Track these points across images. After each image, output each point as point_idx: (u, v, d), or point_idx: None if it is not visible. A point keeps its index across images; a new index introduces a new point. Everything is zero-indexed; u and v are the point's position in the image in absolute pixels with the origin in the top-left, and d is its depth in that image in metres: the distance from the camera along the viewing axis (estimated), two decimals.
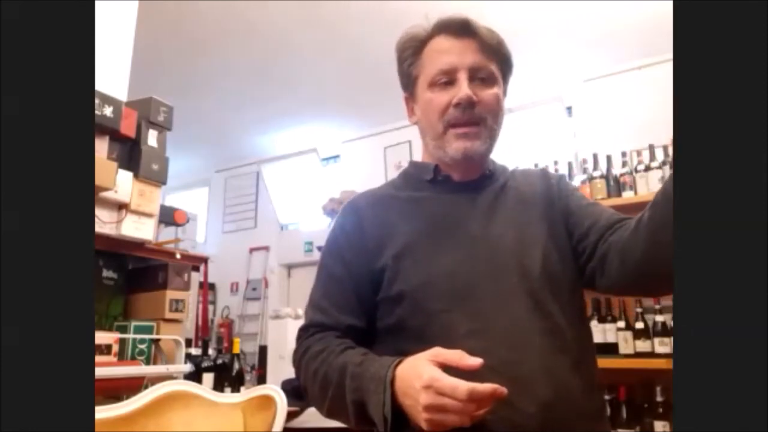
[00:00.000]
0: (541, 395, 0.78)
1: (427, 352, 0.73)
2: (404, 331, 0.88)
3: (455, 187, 0.97)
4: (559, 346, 0.83)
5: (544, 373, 0.79)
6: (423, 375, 0.69)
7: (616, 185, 2.66)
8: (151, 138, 1.89)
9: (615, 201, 2.62)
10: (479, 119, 0.92)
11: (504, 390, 0.68)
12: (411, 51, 0.98)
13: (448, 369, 0.71)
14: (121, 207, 1.76)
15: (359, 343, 0.89)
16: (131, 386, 1.59)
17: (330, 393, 0.83)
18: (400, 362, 0.76)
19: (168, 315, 1.85)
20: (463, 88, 0.90)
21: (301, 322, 0.99)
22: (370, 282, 0.91)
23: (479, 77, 0.93)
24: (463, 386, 0.66)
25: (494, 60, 0.95)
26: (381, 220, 0.95)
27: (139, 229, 1.80)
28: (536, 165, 2.95)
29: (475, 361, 0.69)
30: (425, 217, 0.93)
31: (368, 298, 0.92)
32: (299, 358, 0.92)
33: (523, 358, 0.80)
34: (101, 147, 1.72)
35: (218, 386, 1.93)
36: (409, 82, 1.01)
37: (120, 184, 1.70)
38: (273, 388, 1.34)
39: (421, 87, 0.97)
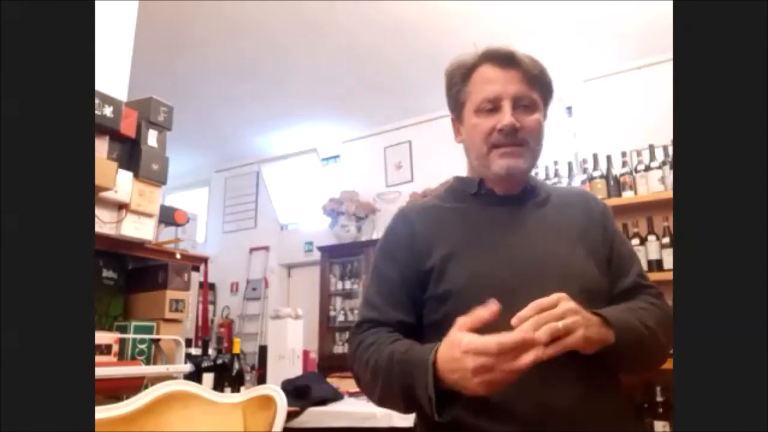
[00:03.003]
0: (569, 393, 0.86)
1: (454, 327, 0.78)
2: (449, 327, 0.90)
3: (498, 200, 1.04)
4: (587, 364, 0.87)
5: (576, 374, 0.86)
6: (461, 342, 0.75)
7: (616, 185, 2.65)
8: (151, 138, 1.89)
9: (615, 201, 2.62)
10: (522, 142, 1.00)
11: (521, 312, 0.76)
12: (459, 78, 1.05)
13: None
14: (121, 207, 1.76)
15: (408, 337, 0.95)
16: (131, 386, 1.59)
17: (380, 381, 0.90)
18: (440, 346, 0.81)
19: (168, 315, 1.85)
20: (507, 116, 0.97)
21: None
22: (419, 281, 0.99)
23: (522, 104, 1.00)
24: (491, 341, 0.72)
25: (536, 88, 1.02)
26: (430, 226, 1.03)
27: (139, 229, 1.80)
28: (536, 165, 2.95)
29: (491, 307, 0.75)
30: (470, 225, 1.01)
31: (417, 296, 0.99)
32: (353, 351, 0.98)
33: (554, 364, 0.82)
34: (101, 147, 1.72)
35: (218, 386, 1.93)
36: (456, 106, 1.08)
37: (120, 184, 1.70)
38: (273, 388, 1.34)
39: (468, 112, 1.04)
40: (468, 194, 1.06)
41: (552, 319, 0.77)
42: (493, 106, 0.99)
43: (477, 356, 0.72)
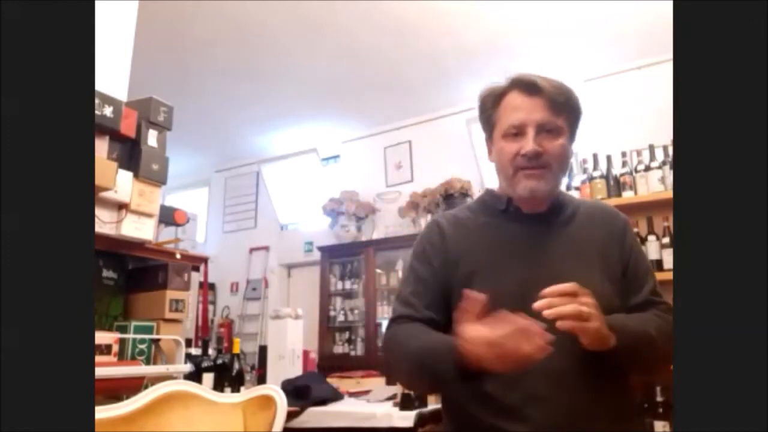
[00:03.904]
0: (581, 395, 0.94)
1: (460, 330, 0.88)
2: None
3: (525, 218, 1.10)
4: (598, 367, 0.94)
5: (586, 377, 0.94)
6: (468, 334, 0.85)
7: (616, 185, 2.66)
8: (151, 138, 1.89)
9: (615, 201, 2.62)
10: (545, 165, 1.05)
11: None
12: (490, 103, 1.12)
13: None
14: (121, 207, 1.76)
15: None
16: (131, 386, 1.59)
17: (418, 363, 0.98)
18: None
19: (168, 315, 1.85)
20: (530, 143, 1.03)
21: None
22: (449, 287, 1.07)
23: (546, 130, 1.05)
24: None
25: (562, 114, 1.07)
26: (459, 240, 1.11)
27: (139, 229, 1.79)
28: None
29: (478, 295, 0.87)
30: (496, 243, 1.09)
31: (448, 299, 1.07)
32: (390, 338, 1.09)
33: (567, 367, 0.94)
34: (101, 147, 1.72)
35: (218, 386, 1.93)
36: (488, 129, 1.15)
37: (120, 184, 1.70)
38: (273, 388, 1.34)
39: (497, 135, 1.10)
40: (497, 210, 1.13)
41: (575, 303, 0.86)
42: (518, 132, 1.05)
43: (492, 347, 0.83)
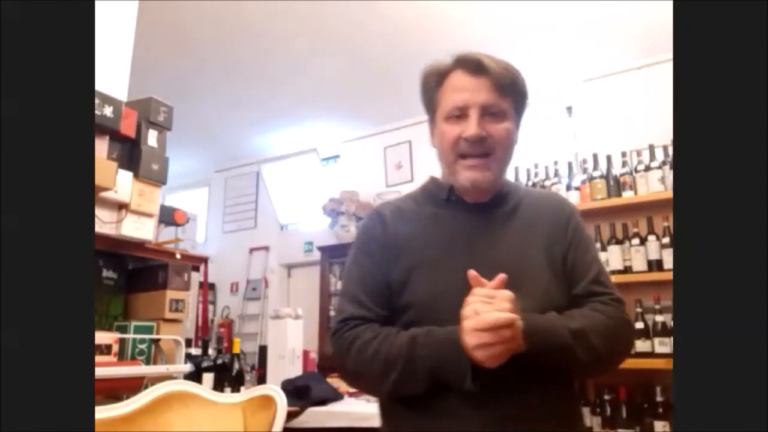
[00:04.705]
0: (507, 395, 0.90)
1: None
2: None
3: (468, 207, 1.04)
4: (533, 368, 0.90)
5: (520, 377, 0.89)
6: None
7: (616, 185, 2.65)
8: (151, 138, 1.89)
9: (615, 201, 2.62)
10: (489, 151, 0.99)
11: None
12: (433, 83, 1.05)
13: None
14: (121, 207, 1.76)
15: None
16: (131, 386, 1.59)
17: (399, 367, 0.90)
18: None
19: (168, 315, 1.85)
20: (473, 126, 0.97)
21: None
22: (390, 282, 1.00)
23: (490, 113, 0.99)
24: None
25: (507, 97, 1.00)
26: (399, 233, 1.04)
27: (139, 229, 1.79)
28: (536, 165, 2.95)
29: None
30: (437, 235, 1.02)
31: (392, 296, 1.01)
32: (347, 347, 0.97)
33: (502, 368, 0.88)
34: (101, 147, 1.72)
35: (218, 386, 1.93)
36: (430, 110, 1.08)
37: (120, 184, 1.70)
38: (273, 388, 1.34)
39: (439, 117, 1.04)
40: (440, 199, 1.06)
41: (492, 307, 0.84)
42: (461, 114, 0.99)
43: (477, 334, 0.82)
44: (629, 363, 2.34)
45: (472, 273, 0.87)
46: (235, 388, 1.97)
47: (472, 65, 1.00)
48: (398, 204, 1.11)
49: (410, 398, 0.93)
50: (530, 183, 2.89)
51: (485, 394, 0.87)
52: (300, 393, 2.12)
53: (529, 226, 1.03)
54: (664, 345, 2.33)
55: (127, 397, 1.20)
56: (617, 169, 2.70)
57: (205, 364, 1.97)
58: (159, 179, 1.86)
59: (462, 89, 0.99)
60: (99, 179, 1.56)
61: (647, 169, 2.59)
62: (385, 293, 1.00)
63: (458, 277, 0.92)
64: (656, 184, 2.54)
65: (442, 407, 0.90)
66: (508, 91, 1.00)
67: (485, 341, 0.82)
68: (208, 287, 4.79)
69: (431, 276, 0.97)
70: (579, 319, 0.92)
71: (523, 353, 0.86)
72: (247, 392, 1.36)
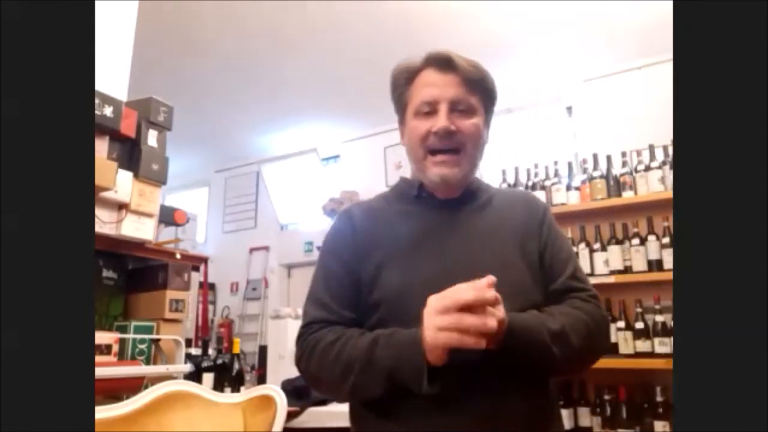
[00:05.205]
0: (489, 396, 0.88)
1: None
2: None
3: (438, 204, 1.05)
4: (508, 366, 0.89)
5: (497, 377, 0.88)
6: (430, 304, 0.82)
7: (616, 185, 2.65)
8: (151, 138, 1.89)
9: (615, 201, 2.62)
10: (458, 146, 1.00)
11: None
12: (403, 81, 1.07)
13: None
14: (121, 207, 1.76)
15: None
16: (131, 386, 1.59)
17: (357, 370, 0.89)
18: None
19: (168, 315, 1.85)
20: (441, 119, 0.99)
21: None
22: (360, 284, 0.99)
23: (459, 109, 1.00)
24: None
25: (476, 93, 1.02)
26: (369, 231, 1.03)
27: (139, 229, 1.79)
28: (536, 165, 2.95)
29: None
30: (408, 231, 1.02)
31: (361, 296, 0.99)
32: (310, 350, 0.96)
33: (474, 367, 0.87)
34: (101, 147, 1.72)
35: (218, 386, 1.93)
36: (399, 109, 1.10)
37: (120, 184, 1.70)
38: (273, 388, 1.34)
39: (409, 114, 1.05)
40: (411, 196, 1.07)
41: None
42: (430, 109, 1.00)
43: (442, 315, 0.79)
44: (629, 363, 2.37)
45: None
46: (235, 388, 1.97)
47: (442, 62, 1.02)
48: (369, 203, 1.13)
49: (378, 401, 0.91)
50: (530, 183, 2.89)
51: (459, 396, 0.86)
52: (300, 393, 2.12)
53: (500, 222, 1.04)
54: (664, 345, 2.33)
55: (127, 397, 1.20)
56: (617, 169, 2.70)
57: (205, 364, 1.97)
58: (159, 179, 1.86)
59: (431, 85, 1.01)
60: (99, 179, 1.56)
61: (647, 169, 2.59)
62: (352, 295, 0.99)
63: (428, 273, 0.92)
64: (656, 184, 2.54)
65: (410, 409, 0.88)
66: (477, 88, 1.02)
67: (455, 323, 0.78)
68: (208, 287, 4.79)
69: (400, 272, 0.96)
70: (559, 318, 0.92)
71: (499, 352, 0.84)
72: (247, 392, 1.36)
